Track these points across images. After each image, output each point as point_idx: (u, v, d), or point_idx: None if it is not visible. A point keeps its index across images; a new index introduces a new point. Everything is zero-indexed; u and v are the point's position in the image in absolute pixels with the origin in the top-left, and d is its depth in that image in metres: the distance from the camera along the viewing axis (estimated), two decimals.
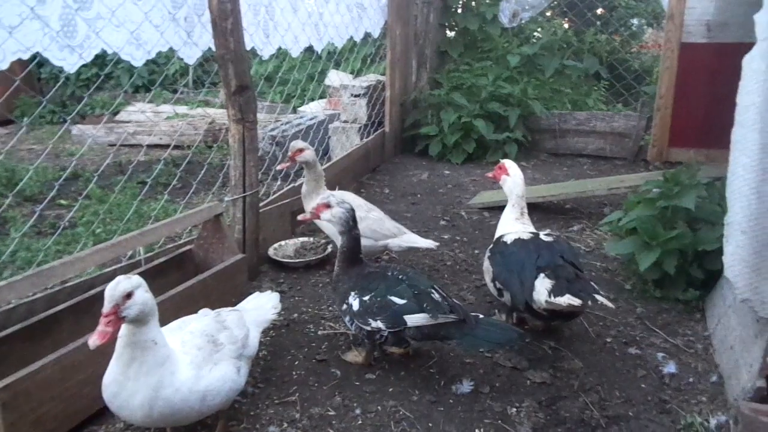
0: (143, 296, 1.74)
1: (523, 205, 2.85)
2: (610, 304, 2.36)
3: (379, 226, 3.17)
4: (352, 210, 2.46)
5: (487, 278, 2.75)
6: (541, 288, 2.36)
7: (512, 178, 2.84)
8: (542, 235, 2.65)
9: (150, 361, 1.77)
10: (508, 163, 2.91)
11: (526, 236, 2.65)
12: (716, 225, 2.91)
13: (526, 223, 2.84)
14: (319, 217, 2.48)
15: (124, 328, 1.76)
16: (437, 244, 3.22)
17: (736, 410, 2.04)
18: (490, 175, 3.05)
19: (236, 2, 2.88)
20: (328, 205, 2.45)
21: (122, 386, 1.76)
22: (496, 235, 2.86)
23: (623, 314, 2.94)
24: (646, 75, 7.00)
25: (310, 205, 3.08)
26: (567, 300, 2.26)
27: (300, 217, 2.66)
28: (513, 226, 2.80)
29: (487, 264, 2.74)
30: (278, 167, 3.19)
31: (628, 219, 3.14)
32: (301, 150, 3.22)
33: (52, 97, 7.31)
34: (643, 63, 7.47)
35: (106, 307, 1.68)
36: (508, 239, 2.68)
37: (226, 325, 2.09)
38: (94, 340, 1.64)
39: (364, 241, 2.95)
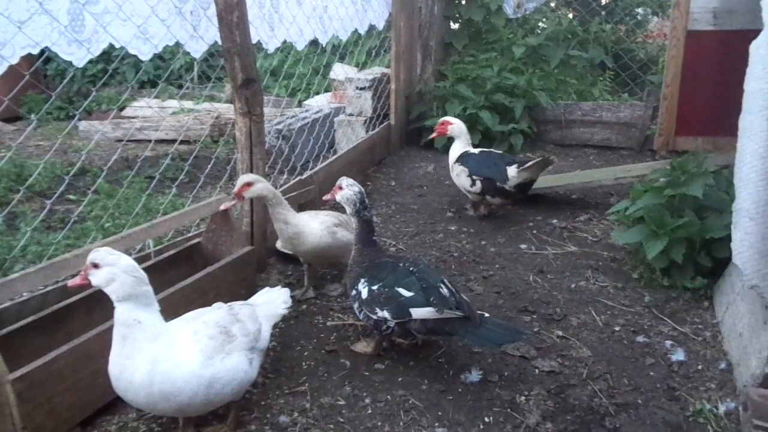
0: (109, 275, 1.83)
1: (469, 141, 3.87)
2: (553, 157, 3.74)
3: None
4: (362, 192, 2.54)
5: (462, 176, 3.79)
6: (512, 170, 3.57)
7: (456, 124, 3.80)
8: (493, 150, 3.94)
9: (139, 337, 1.84)
10: (448, 117, 3.94)
11: (485, 150, 3.86)
12: (724, 213, 2.91)
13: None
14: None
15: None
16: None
17: (745, 396, 2.04)
18: (434, 135, 4.15)
19: None
20: (340, 187, 2.57)
21: (123, 367, 1.83)
22: (453, 157, 3.91)
23: (631, 303, 2.95)
24: (652, 64, 6.96)
25: (297, 237, 2.84)
26: (534, 161, 3.55)
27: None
28: (466, 149, 3.84)
29: (460, 168, 3.78)
30: (222, 208, 2.71)
31: (635, 208, 3.13)
32: (249, 184, 2.66)
33: (58, 93, 7.36)
34: (649, 52, 7.42)
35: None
36: (473, 151, 3.76)
37: (240, 317, 2.10)
38: (70, 282, 1.89)
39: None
